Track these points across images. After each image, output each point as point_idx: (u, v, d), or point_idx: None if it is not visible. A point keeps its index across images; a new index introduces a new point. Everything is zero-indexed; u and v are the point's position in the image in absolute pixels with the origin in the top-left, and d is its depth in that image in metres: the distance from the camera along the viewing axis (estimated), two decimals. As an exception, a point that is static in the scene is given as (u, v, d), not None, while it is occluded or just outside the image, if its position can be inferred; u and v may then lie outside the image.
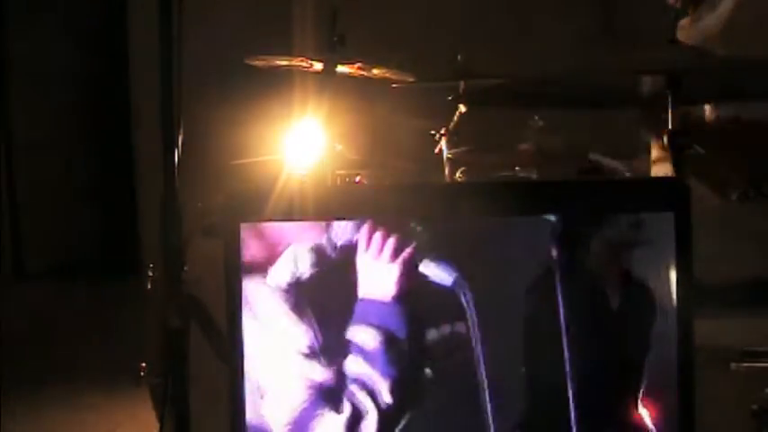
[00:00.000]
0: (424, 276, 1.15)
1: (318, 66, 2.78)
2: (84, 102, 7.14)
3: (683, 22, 2.42)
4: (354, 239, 1.15)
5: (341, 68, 2.74)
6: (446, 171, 3.26)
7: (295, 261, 1.15)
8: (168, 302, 1.36)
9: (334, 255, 1.15)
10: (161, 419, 1.45)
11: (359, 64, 2.78)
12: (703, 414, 1.16)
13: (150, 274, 2.45)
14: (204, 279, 1.84)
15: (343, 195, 1.22)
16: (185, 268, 1.37)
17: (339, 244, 1.15)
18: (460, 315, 1.14)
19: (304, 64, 2.87)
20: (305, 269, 1.15)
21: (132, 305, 2.92)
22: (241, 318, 1.15)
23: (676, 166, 1.71)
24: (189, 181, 1.41)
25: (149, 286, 2.44)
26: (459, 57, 3.36)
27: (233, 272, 1.15)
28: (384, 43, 3.92)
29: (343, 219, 1.16)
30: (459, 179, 3.16)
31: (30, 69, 6.47)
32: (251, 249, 1.14)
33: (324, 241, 1.15)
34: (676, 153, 1.71)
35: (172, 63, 1.37)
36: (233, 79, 4.67)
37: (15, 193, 6.55)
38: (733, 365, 1.63)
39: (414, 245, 1.15)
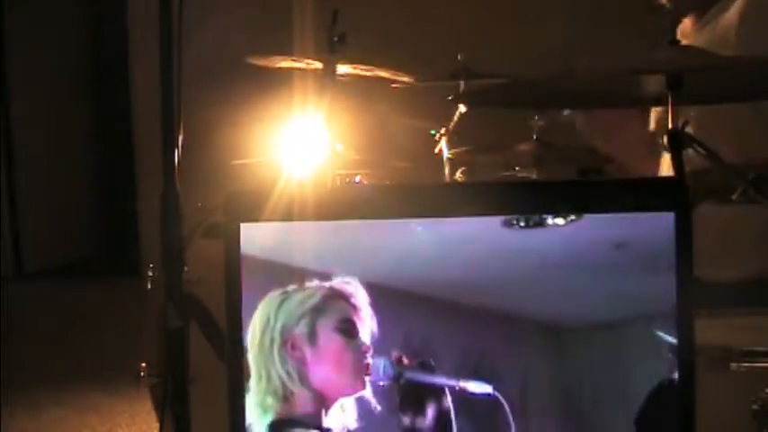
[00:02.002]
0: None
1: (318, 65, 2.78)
2: (85, 101, 7.15)
3: (687, 28, 2.41)
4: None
5: (341, 68, 2.75)
6: (446, 171, 3.26)
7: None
8: (168, 302, 1.36)
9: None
10: (161, 419, 1.45)
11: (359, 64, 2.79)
12: (703, 414, 1.16)
13: (150, 274, 2.46)
14: (204, 279, 1.84)
15: (343, 195, 1.22)
16: (185, 268, 1.37)
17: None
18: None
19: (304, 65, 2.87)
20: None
21: (132, 305, 2.92)
22: (241, 318, 1.15)
23: (676, 166, 1.70)
24: (189, 181, 1.41)
25: (149, 286, 2.44)
26: (459, 57, 3.36)
27: (233, 272, 1.15)
28: (385, 43, 3.92)
29: (344, 219, 1.16)
30: (459, 179, 3.17)
31: (30, 69, 6.47)
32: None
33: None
34: (676, 153, 1.70)
35: (172, 63, 1.37)
36: (233, 79, 4.68)
37: (15, 192, 6.56)
38: (733, 365, 1.63)
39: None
